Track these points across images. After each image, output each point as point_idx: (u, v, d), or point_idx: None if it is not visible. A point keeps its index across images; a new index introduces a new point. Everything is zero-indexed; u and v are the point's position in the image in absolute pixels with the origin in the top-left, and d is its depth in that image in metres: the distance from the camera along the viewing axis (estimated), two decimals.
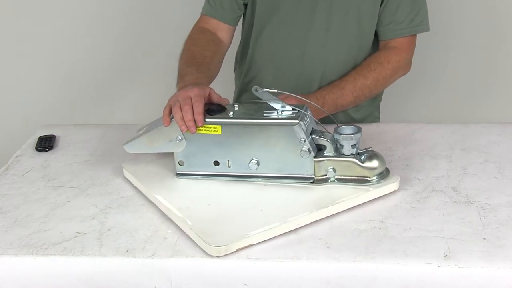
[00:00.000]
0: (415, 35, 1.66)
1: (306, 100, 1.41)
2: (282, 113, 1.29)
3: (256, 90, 1.28)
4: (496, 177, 1.35)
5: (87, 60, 2.56)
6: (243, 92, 1.79)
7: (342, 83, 1.59)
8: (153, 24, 2.48)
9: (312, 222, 1.20)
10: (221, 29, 1.65)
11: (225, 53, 1.67)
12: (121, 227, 1.24)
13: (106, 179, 1.43)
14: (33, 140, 1.65)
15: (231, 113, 1.31)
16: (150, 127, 1.38)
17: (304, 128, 1.27)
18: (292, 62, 1.65)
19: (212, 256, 1.13)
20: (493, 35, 2.39)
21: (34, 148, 1.60)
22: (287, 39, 1.63)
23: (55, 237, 1.21)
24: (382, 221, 1.21)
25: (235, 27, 1.69)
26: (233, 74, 1.88)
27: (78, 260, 1.16)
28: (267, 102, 1.30)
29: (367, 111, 1.76)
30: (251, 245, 1.15)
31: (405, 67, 1.66)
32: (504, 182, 1.33)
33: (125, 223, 1.25)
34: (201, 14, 1.68)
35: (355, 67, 1.64)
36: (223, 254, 1.13)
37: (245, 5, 1.66)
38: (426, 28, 1.66)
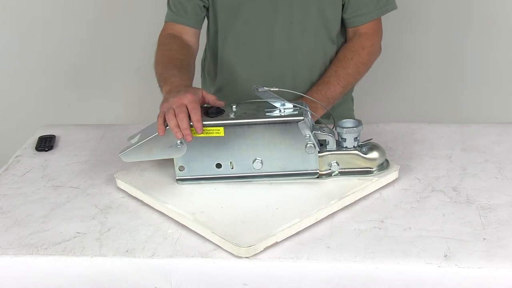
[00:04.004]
0: (380, 18, 1.67)
1: (308, 97, 1.42)
2: (284, 111, 1.29)
3: (256, 89, 1.28)
4: (496, 177, 1.35)
5: (87, 60, 2.57)
6: (217, 95, 1.77)
7: (325, 79, 1.61)
8: (154, 24, 2.47)
9: (315, 222, 1.20)
10: (187, 34, 1.65)
11: (195, 57, 1.66)
12: (121, 227, 1.24)
13: (106, 179, 1.42)
14: (33, 140, 1.65)
15: (232, 114, 1.30)
16: (146, 134, 1.34)
17: (308, 124, 1.28)
18: (260, 60, 1.66)
19: (212, 257, 1.13)
20: (493, 35, 2.39)
21: (34, 148, 1.60)
22: (253, 38, 1.64)
23: (55, 237, 1.21)
24: (382, 221, 1.21)
25: (200, 30, 1.68)
26: (197, 80, 1.85)
27: (78, 260, 1.16)
28: (267, 100, 1.30)
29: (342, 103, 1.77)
30: (276, 243, 1.15)
31: (379, 50, 1.69)
32: (504, 182, 1.33)
33: (125, 223, 1.25)
34: (165, 21, 1.67)
35: (332, 59, 1.66)
36: (252, 254, 1.13)
37: (206, 8, 1.66)
38: (393, 7, 1.67)
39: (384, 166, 1.33)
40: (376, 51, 1.68)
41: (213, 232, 1.17)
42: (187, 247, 1.17)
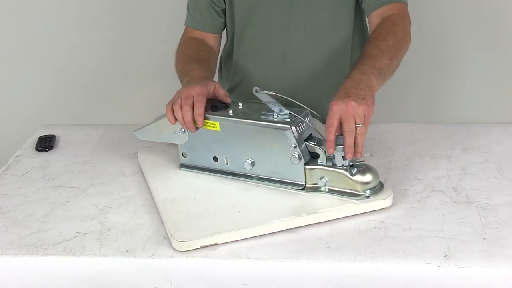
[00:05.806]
0: (405, 5, 1.56)
1: (307, 108, 1.37)
2: (278, 117, 1.28)
3: (256, 91, 1.28)
4: (496, 177, 1.34)
5: (87, 60, 2.57)
6: (230, 94, 1.78)
7: (366, 53, 1.43)
8: (153, 24, 2.48)
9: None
10: (208, 38, 1.65)
11: (217, 57, 1.67)
12: (121, 227, 1.24)
13: (106, 179, 1.43)
14: (33, 140, 1.65)
15: (231, 111, 1.32)
16: (161, 116, 1.40)
17: (297, 134, 1.25)
18: (274, 63, 1.65)
19: (212, 257, 1.13)
20: (493, 34, 2.39)
21: (34, 148, 1.60)
22: (267, 40, 1.64)
23: (55, 237, 1.21)
24: (382, 221, 1.21)
25: (221, 34, 1.69)
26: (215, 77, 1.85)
27: (78, 260, 1.16)
28: (266, 104, 1.30)
29: None
30: (217, 244, 1.15)
31: (409, 35, 1.52)
32: (504, 182, 1.32)
33: (125, 223, 1.25)
34: (185, 25, 1.68)
35: (349, 62, 1.63)
36: (185, 250, 1.14)
37: (224, 11, 1.66)
38: None
39: (376, 190, 1.24)
40: (407, 33, 1.51)
41: (165, 220, 1.20)
42: None
